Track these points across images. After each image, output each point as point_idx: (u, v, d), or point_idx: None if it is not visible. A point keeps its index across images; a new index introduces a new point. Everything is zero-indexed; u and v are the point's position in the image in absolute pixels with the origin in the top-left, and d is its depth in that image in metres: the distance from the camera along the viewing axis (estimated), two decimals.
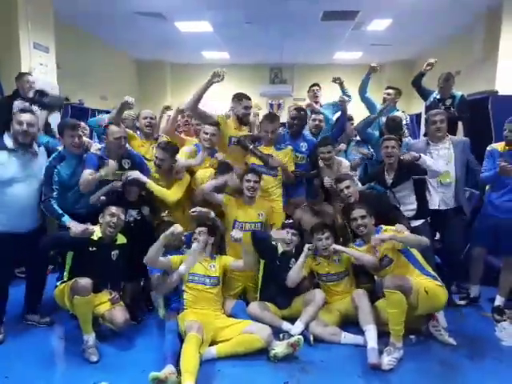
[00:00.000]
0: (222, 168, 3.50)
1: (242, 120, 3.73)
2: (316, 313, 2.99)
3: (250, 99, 3.72)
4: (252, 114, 4.02)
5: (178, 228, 2.89)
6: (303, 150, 3.82)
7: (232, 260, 3.17)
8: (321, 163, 3.74)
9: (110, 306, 2.91)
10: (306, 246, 3.07)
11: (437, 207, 3.49)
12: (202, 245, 3.12)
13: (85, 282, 2.71)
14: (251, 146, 3.60)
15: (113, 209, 2.94)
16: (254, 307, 3.07)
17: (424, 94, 4.56)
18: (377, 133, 4.15)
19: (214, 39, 8.20)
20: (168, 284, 3.03)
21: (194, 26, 7.40)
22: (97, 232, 2.92)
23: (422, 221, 3.39)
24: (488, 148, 3.47)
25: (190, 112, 3.80)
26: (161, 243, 2.87)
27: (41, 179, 3.03)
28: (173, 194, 3.42)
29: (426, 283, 2.75)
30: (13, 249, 2.91)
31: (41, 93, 3.95)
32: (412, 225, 3.29)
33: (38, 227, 3.09)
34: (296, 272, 3.07)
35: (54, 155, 3.14)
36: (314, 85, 4.85)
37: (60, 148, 3.30)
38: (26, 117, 2.93)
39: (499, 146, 3.42)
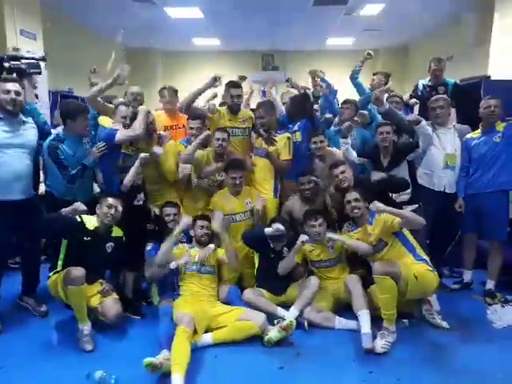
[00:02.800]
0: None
1: (233, 109, 3.73)
2: (310, 299, 3.01)
3: (239, 87, 3.71)
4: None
5: (189, 220, 3.04)
6: (296, 128, 3.83)
7: (222, 253, 3.16)
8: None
9: (101, 299, 2.87)
10: (301, 237, 3.07)
11: (442, 189, 3.52)
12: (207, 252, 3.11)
13: (78, 271, 2.69)
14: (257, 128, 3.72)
15: (110, 200, 2.90)
16: (249, 294, 3.08)
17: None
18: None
19: (204, 26, 8.09)
20: (157, 272, 3.05)
21: (184, 12, 7.28)
22: (93, 222, 2.90)
23: (415, 206, 3.40)
24: (463, 139, 3.54)
25: (184, 112, 3.78)
26: (172, 242, 2.96)
27: (32, 148, 3.01)
28: (170, 172, 3.47)
29: (416, 268, 2.76)
30: (6, 218, 2.88)
31: (13, 58, 3.62)
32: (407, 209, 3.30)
33: (31, 198, 3.04)
34: (287, 262, 3.13)
35: (52, 137, 3.11)
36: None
37: (55, 131, 3.28)
38: (12, 85, 2.87)
39: (475, 133, 3.52)
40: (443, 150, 3.52)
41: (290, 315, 2.88)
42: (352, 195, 3.07)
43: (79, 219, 2.84)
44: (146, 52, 10.16)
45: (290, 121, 3.93)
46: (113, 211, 2.88)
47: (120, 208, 2.92)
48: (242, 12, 7.22)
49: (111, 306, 2.86)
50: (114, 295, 2.95)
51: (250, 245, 3.34)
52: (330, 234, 3.09)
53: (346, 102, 4.20)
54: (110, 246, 2.97)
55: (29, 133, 3.02)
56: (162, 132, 3.62)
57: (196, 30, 8.59)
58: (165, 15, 7.35)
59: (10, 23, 4.98)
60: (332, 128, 4.25)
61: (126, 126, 3.23)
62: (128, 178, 3.10)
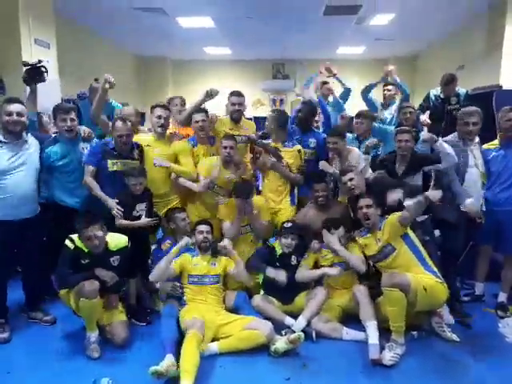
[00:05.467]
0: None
1: (232, 117, 3.75)
2: (319, 309, 2.98)
3: (239, 95, 3.71)
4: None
5: (188, 240, 3.00)
6: (311, 146, 3.81)
7: (232, 266, 3.11)
8: (330, 154, 3.70)
9: (111, 318, 2.87)
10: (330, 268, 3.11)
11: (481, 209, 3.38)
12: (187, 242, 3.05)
13: (92, 285, 2.65)
14: (258, 140, 3.71)
15: (89, 231, 2.71)
16: (258, 300, 3.07)
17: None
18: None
19: (215, 35, 8.17)
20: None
21: (195, 22, 7.37)
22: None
23: (426, 216, 3.35)
24: (481, 150, 3.44)
25: (183, 125, 3.86)
26: (170, 258, 2.92)
27: (35, 167, 3.04)
28: (191, 168, 3.50)
29: (426, 280, 2.72)
30: (9, 238, 2.89)
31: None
32: (417, 220, 3.26)
33: (34, 217, 3.04)
34: (307, 277, 3.15)
35: (48, 141, 3.17)
36: (324, 83, 4.89)
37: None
38: (14, 107, 2.90)
39: (492, 144, 3.42)
40: (476, 167, 3.33)
41: (297, 325, 2.86)
42: (365, 201, 3.05)
43: (72, 246, 2.76)
44: (157, 60, 10.30)
45: (300, 130, 3.87)
46: (94, 242, 2.74)
47: (100, 233, 2.75)
48: (252, 21, 7.29)
49: (120, 329, 2.82)
50: (123, 317, 2.93)
51: (254, 271, 3.27)
52: (329, 240, 3.08)
53: (359, 115, 4.05)
54: (115, 259, 2.88)
55: (32, 152, 3.03)
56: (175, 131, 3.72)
57: (207, 39, 8.69)
58: (177, 24, 7.44)
59: (25, 32, 5.09)
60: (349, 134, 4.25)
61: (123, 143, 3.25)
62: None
